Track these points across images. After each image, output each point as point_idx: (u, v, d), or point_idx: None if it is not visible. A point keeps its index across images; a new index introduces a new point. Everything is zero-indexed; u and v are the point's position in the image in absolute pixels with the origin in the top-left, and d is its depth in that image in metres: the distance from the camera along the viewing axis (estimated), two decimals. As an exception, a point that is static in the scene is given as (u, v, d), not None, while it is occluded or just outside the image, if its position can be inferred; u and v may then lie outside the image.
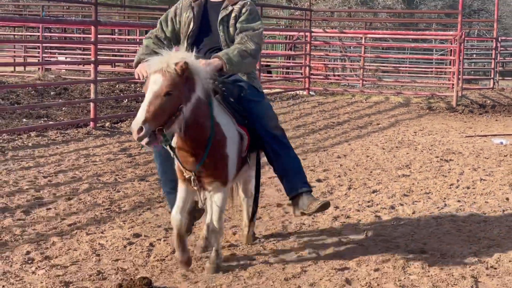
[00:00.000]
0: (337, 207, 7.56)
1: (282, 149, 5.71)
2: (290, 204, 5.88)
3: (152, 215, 7.15)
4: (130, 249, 5.99)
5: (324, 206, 5.59)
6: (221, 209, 5.39)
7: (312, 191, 5.80)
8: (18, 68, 26.00)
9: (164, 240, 6.19)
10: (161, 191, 8.14)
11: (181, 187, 5.42)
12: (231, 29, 5.61)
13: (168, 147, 5.15)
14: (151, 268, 5.52)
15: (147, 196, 7.94)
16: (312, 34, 21.66)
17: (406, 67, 28.03)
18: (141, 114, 4.69)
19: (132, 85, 20.50)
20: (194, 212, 5.73)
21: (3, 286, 5.05)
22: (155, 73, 4.86)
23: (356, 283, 5.24)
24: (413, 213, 7.33)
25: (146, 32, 29.97)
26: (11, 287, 5.05)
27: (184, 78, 4.86)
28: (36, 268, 5.44)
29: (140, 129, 4.65)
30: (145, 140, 4.69)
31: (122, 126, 13.00)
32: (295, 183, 5.69)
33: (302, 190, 5.65)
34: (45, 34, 25.88)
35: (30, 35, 28.61)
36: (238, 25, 5.58)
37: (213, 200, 5.39)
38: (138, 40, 25.60)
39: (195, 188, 5.30)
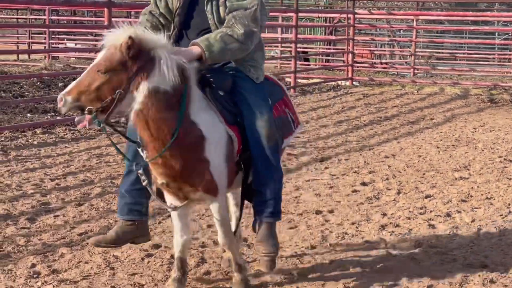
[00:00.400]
0: (384, 215, 7.53)
1: (266, 168, 5.29)
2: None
3: (173, 223, 7.17)
4: (149, 261, 6.01)
5: (271, 261, 5.30)
6: (221, 222, 5.27)
7: (277, 221, 5.46)
8: (21, 56, 26.22)
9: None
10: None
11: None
12: (221, 9, 5.34)
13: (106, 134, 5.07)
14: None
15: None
16: (356, 16, 21.59)
17: (464, 53, 27.81)
18: (70, 86, 4.83)
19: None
20: None
21: (6, 303, 5.11)
22: (104, 48, 4.86)
23: (407, 302, 5.23)
24: (473, 221, 7.28)
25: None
26: (15, 304, 5.11)
27: (130, 59, 4.78)
28: (43, 283, 5.49)
29: (61, 100, 4.77)
30: (64, 110, 4.84)
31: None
32: (262, 209, 5.35)
33: (266, 220, 5.33)
34: (52, 17, 26.09)
35: (35, 19, 28.85)
36: (227, 3, 5.31)
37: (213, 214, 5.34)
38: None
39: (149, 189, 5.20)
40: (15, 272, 5.70)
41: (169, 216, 7.32)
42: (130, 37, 4.75)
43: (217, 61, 5.27)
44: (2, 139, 10.98)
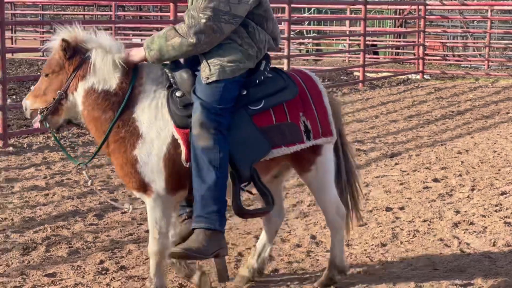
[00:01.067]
0: (458, 212, 7.47)
1: (195, 169, 4.96)
2: None
3: (240, 220, 7.20)
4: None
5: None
6: (151, 226, 5.14)
7: (201, 227, 5.03)
8: (88, 52, 26.63)
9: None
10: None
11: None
12: None
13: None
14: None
15: (235, 198, 8.01)
16: (427, 7, 21.41)
17: (540, 44, 27.35)
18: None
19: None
20: None
21: (75, 299, 5.21)
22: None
23: (481, 301, 5.19)
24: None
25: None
26: (83, 300, 5.20)
27: (66, 61, 5.06)
28: (111, 280, 5.58)
29: (23, 105, 5.30)
30: (27, 114, 5.31)
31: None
32: (196, 212, 5.06)
33: (193, 224, 5.06)
34: (118, 13, 26.44)
35: (102, 15, 29.26)
36: None
37: None
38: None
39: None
40: (84, 268, 5.80)
41: (233, 215, 7.40)
42: (63, 39, 5.01)
43: (161, 59, 5.03)
44: (70, 135, 11.17)
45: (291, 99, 5.20)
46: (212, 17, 4.87)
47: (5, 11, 11.90)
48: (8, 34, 24.76)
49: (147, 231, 6.76)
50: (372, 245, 6.42)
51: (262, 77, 5.16)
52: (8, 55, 15.13)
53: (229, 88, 5.02)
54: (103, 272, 5.75)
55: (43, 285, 5.47)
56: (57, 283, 5.51)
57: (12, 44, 25.72)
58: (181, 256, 5.04)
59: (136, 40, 27.48)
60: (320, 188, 5.40)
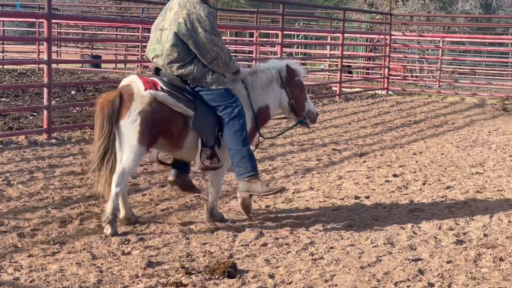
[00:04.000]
0: (412, 201, 7.46)
1: None
2: None
3: (237, 203, 7.19)
4: (217, 234, 6.05)
5: None
6: None
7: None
8: (119, 65, 26.59)
9: (249, 227, 6.23)
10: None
11: None
12: None
13: None
14: (236, 252, 5.57)
15: (234, 186, 8.00)
16: (392, 37, 21.39)
17: (482, 69, 27.33)
18: None
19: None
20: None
21: (102, 264, 5.19)
22: None
23: (428, 273, 5.16)
24: (486, 209, 7.16)
25: (236, 33, 30.00)
26: (109, 265, 5.18)
27: None
28: (132, 248, 5.57)
29: None
30: None
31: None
32: None
33: None
34: (145, 34, 26.35)
35: (131, 35, 29.21)
36: None
37: None
38: (228, 41, 25.81)
39: None
40: (110, 239, 5.78)
41: (235, 197, 7.39)
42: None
43: None
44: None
45: None
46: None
47: (52, 30, 11.83)
48: (54, 48, 24.71)
49: (163, 210, 6.78)
50: (343, 226, 6.41)
51: None
52: (54, 66, 15.09)
53: None
54: (125, 242, 5.73)
55: (77, 251, 5.45)
56: (88, 250, 5.49)
57: (57, 56, 25.63)
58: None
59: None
60: None
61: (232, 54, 6.27)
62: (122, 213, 6.15)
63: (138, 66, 24.71)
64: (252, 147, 6.37)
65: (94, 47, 29.18)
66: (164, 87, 5.86)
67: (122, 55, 27.95)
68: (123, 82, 6.00)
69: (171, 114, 5.86)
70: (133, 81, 5.89)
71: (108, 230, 5.82)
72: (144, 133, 5.74)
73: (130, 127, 5.72)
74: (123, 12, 35.40)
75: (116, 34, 31.19)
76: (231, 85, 6.28)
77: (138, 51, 26.30)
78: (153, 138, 5.87)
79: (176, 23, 5.96)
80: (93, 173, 5.94)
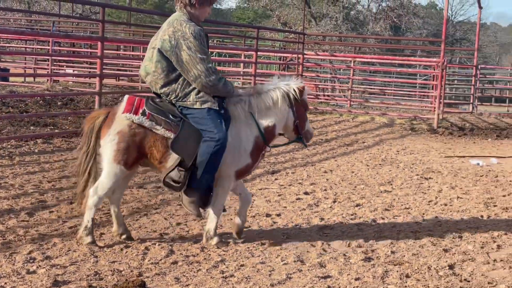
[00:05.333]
0: (322, 219, 7.56)
1: None
2: None
3: (148, 220, 7.14)
4: (126, 252, 5.97)
5: None
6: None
7: None
8: (28, 79, 25.97)
9: (159, 244, 6.17)
10: (158, 198, 8.14)
11: None
12: None
13: None
14: (145, 270, 5.50)
15: (144, 203, 7.92)
16: (305, 56, 21.73)
17: (391, 90, 28.10)
18: None
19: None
20: None
21: (6, 283, 5.02)
22: None
23: (337, 290, 5.23)
24: (393, 227, 7.33)
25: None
26: (13, 284, 5.02)
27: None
28: (37, 267, 5.42)
29: None
30: None
31: (123, 136, 12.96)
32: None
33: None
34: (55, 48, 25.84)
35: (41, 48, 28.58)
36: None
37: None
38: (141, 56, 25.60)
39: None
40: (15, 258, 5.61)
41: (146, 214, 7.31)
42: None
43: None
44: (9, 146, 10.83)
45: None
46: None
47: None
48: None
49: (71, 227, 6.64)
50: (254, 244, 6.42)
51: None
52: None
53: None
54: (31, 260, 5.56)
55: (-21, 271, 5.26)
56: (-9, 269, 5.30)
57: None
58: None
59: (69, 70, 26.98)
60: None
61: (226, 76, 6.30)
62: (115, 228, 6.31)
63: (47, 80, 24.27)
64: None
65: (2, 59, 28.38)
66: (146, 110, 5.98)
67: (31, 68, 27.30)
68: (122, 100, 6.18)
69: (151, 136, 5.99)
70: (122, 102, 6.06)
71: (83, 240, 6.02)
72: (120, 152, 5.92)
73: (108, 145, 5.94)
74: (33, 25, 34.60)
75: (26, 47, 30.45)
76: (232, 107, 6.24)
77: (48, 64, 25.76)
78: (132, 158, 5.99)
79: (161, 40, 6.01)
80: (76, 185, 6.13)
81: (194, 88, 6.04)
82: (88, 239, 6.00)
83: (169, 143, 5.97)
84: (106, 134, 5.96)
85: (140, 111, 5.97)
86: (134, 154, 5.97)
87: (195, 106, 6.04)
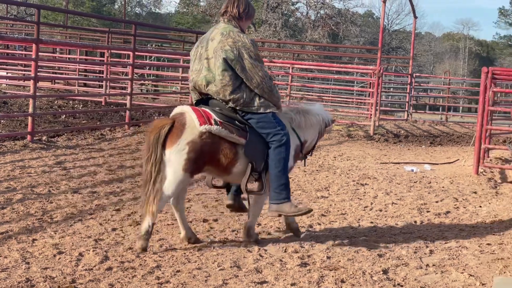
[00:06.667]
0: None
1: None
2: None
3: (83, 226, 7.02)
4: (60, 258, 5.85)
5: None
6: None
7: None
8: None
9: (93, 250, 6.07)
10: (93, 203, 8.02)
11: None
12: None
13: None
14: (79, 276, 5.40)
15: (79, 208, 7.79)
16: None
17: (329, 96, 28.41)
18: None
19: (70, 102, 20.18)
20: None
21: None
22: None
23: (273, 296, 5.23)
24: (329, 232, 7.39)
25: (86, 52, 29.35)
26: None
27: None
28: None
29: None
30: None
31: (58, 140, 12.75)
32: None
33: None
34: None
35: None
36: None
37: None
38: (78, 59, 25.25)
39: None
40: None
41: (80, 220, 7.19)
42: None
43: None
44: None
45: None
46: None
47: None
48: None
49: (1, 233, 6.47)
50: (190, 249, 6.39)
51: None
52: None
53: None
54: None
55: None
56: None
57: None
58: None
59: (2, 72, 26.40)
60: None
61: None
62: (182, 234, 6.53)
63: None
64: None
65: None
66: (217, 119, 6.26)
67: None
68: (177, 111, 6.37)
69: (221, 144, 6.25)
70: (186, 112, 6.23)
71: (138, 244, 6.14)
72: (190, 161, 6.11)
73: (178, 155, 6.09)
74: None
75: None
76: (281, 115, 6.69)
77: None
78: (199, 166, 6.24)
79: (223, 50, 6.32)
80: (143, 193, 6.18)
81: (256, 94, 6.42)
82: (145, 243, 6.15)
83: (238, 149, 6.32)
84: (175, 144, 6.10)
85: (212, 121, 6.22)
86: (202, 163, 6.21)
87: (260, 111, 6.44)
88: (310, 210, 6.78)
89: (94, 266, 5.68)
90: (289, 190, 6.60)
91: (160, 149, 6.10)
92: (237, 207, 6.94)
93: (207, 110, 6.34)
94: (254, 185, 6.65)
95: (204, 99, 6.54)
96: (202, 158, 6.17)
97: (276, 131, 6.44)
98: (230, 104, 6.39)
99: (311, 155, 7.39)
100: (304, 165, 8.19)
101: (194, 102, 6.69)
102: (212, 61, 6.36)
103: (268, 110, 6.44)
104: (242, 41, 6.36)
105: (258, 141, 6.42)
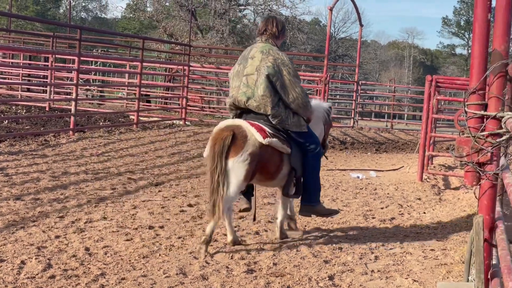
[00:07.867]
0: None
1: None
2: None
3: (25, 233, 6.89)
4: (1, 266, 5.73)
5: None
6: None
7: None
8: None
9: (36, 258, 5.96)
10: (36, 210, 7.88)
11: None
12: None
13: None
14: (20, 285, 5.30)
15: (22, 215, 7.64)
16: (190, 68, 21.72)
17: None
18: None
19: (13, 107, 19.81)
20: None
21: None
22: None
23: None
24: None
25: (30, 57, 28.98)
26: None
27: None
28: None
29: None
30: None
31: (0, 146, 12.50)
32: None
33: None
34: None
35: None
36: None
37: None
38: (21, 64, 24.83)
39: None
40: None
41: (23, 227, 7.05)
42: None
43: None
44: None
45: None
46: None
47: None
48: None
49: None
50: (136, 256, 6.33)
51: None
52: None
53: None
54: None
55: None
56: None
57: None
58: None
59: None
60: None
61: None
62: (229, 238, 6.96)
63: None
64: None
65: None
66: (271, 132, 6.75)
67: None
68: (230, 123, 6.79)
69: (273, 154, 6.77)
70: (243, 125, 6.68)
71: (202, 249, 6.52)
72: (250, 171, 6.57)
73: (240, 165, 6.51)
74: None
75: None
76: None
77: None
78: (253, 175, 6.70)
79: (266, 67, 6.77)
80: (209, 201, 6.52)
81: (290, 111, 6.89)
82: (207, 247, 6.55)
83: (284, 158, 6.87)
84: (238, 155, 6.51)
85: (268, 133, 6.69)
86: (255, 171, 6.69)
87: (293, 130, 6.93)
88: (338, 212, 7.63)
89: (37, 274, 5.58)
90: (320, 193, 7.23)
91: (224, 160, 6.48)
92: (250, 209, 7.32)
93: (258, 124, 6.77)
94: (293, 189, 7.11)
95: (241, 113, 7.04)
96: (257, 167, 6.66)
97: (312, 140, 7.03)
98: (270, 119, 6.83)
99: (327, 148, 7.99)
100: (326, 158, 8.64)
101: (232, 117, 7.10)
102: (252, 78, 6.80)
103: (298, 130, 6.94)
104: (281, 59, 6.82)
105: (297, 150, 6.98)
